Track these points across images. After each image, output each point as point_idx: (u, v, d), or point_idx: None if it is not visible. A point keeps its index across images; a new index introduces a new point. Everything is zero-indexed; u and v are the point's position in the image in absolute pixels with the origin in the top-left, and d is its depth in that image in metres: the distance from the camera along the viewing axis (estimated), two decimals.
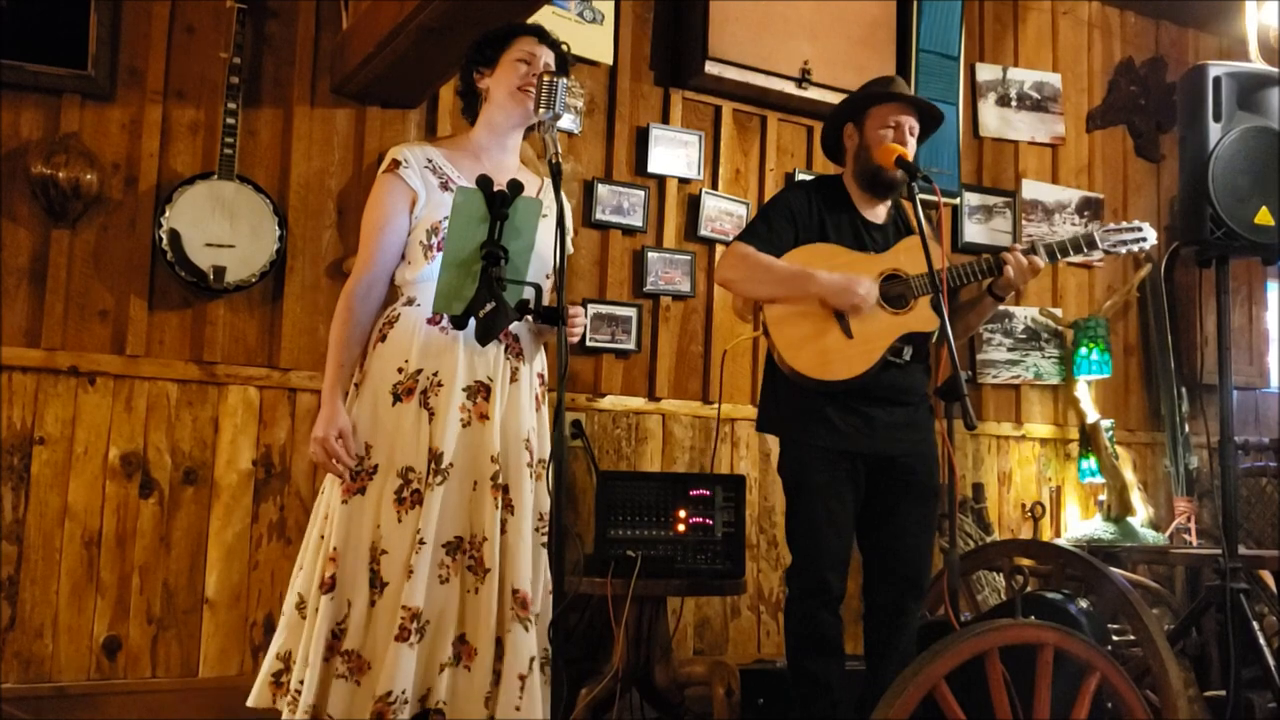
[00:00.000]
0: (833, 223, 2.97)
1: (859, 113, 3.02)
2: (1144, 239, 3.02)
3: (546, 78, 2.28)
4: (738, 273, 2.94)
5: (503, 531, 2.37)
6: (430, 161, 2.51)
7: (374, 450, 2.39)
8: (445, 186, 2.48)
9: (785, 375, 2.90)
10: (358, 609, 2.30)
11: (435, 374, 2.38)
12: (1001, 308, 4.65)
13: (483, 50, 2.58)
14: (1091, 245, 2.98)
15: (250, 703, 2.41)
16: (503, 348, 2.43)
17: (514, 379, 2.45)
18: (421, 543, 2.29)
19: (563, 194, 2.34)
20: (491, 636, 2.31)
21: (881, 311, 2.86)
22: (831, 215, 2.98)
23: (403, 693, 2.23)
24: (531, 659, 2.34)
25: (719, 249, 4.24)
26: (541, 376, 2.55)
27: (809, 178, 3.23)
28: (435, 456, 2.34)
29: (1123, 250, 3.03)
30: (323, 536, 2.42)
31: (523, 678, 2.32)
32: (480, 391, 2.40)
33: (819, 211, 2.97)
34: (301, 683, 2.30)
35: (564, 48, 2.63)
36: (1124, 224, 3.05)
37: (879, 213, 3.03)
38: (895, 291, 2.88)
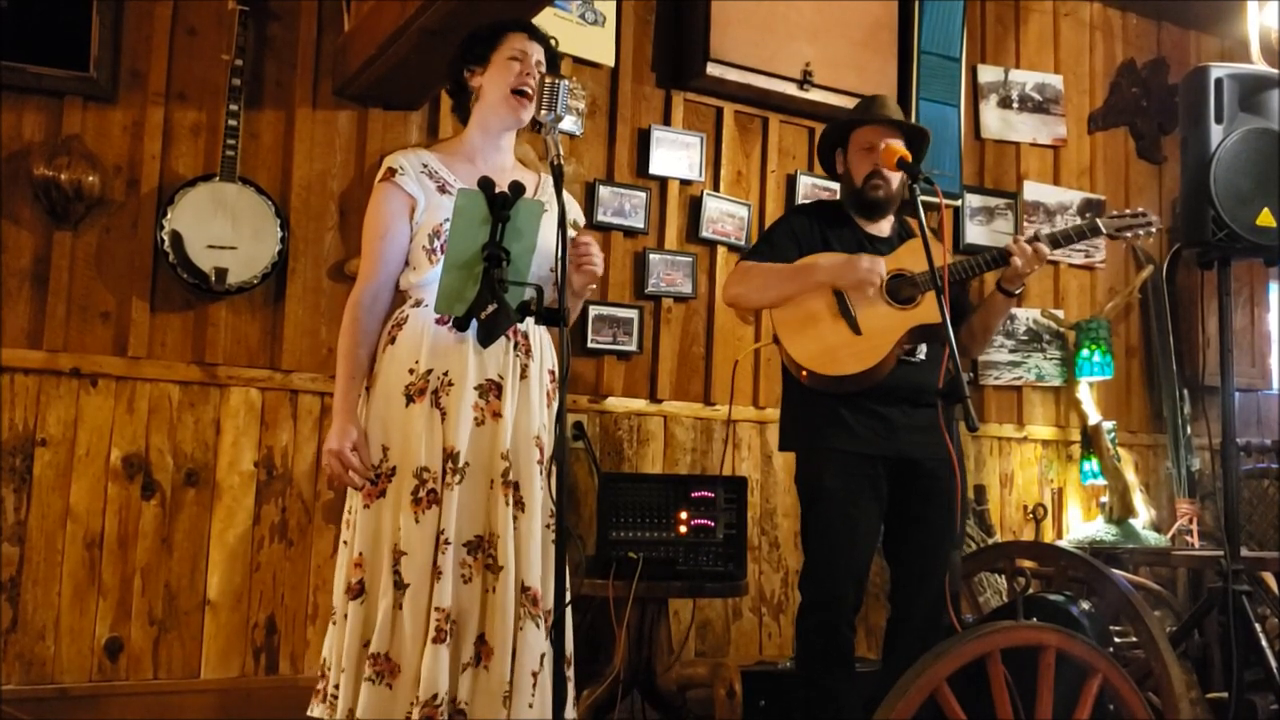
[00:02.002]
0: (836, 236, 2.98)
1: (842, 139, 3.05)
2: (1150, 224, 3.00)
3: (548, 80, 2.28)
4: (743, 286, 2.96)
5: (515, 529, 2.38)
6: (426, 166, 2.51)
7: (390, 452, 2.40)
8: (443, 190, 2.48)
9: (800, 386, 2.90)
10: (383, 612, 2.32)
11: (446, 373, 2.39)
12: None
13: (473, 47, 2.57)
14: (1096, 232, 2.97)
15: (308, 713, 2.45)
16: (512, 345, 2.44)
17: (524, 376, 2.45)
18: (446, 543, 2.30)
19: (565, 191, 2.34)
20: (509, 635, 2.32)
21: (889, 308, 2.86)
22: (834, 231, 3.00)
23: (446, 694, 2.25)
24: (543, 656, 2.34)
25: (720, 251, 4.25)
26: (552, 373, 2.54)
27: (809, 202, 3.24)
28: (451, 456, 2.35)
29: (1128, 235, 3.00)
30: (345, 543, 2.44)
31: (535, 675, 2.33)
32: (492, 390, 2.40)
33: (821, 229, 2.99)
34: (337, 687, 2.34)
35: (553, 43, 2.62)
36: (1128, 210, 3.02)
37: (882, 228, 3.04)
38: (903, 290, 2.88)
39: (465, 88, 2.59)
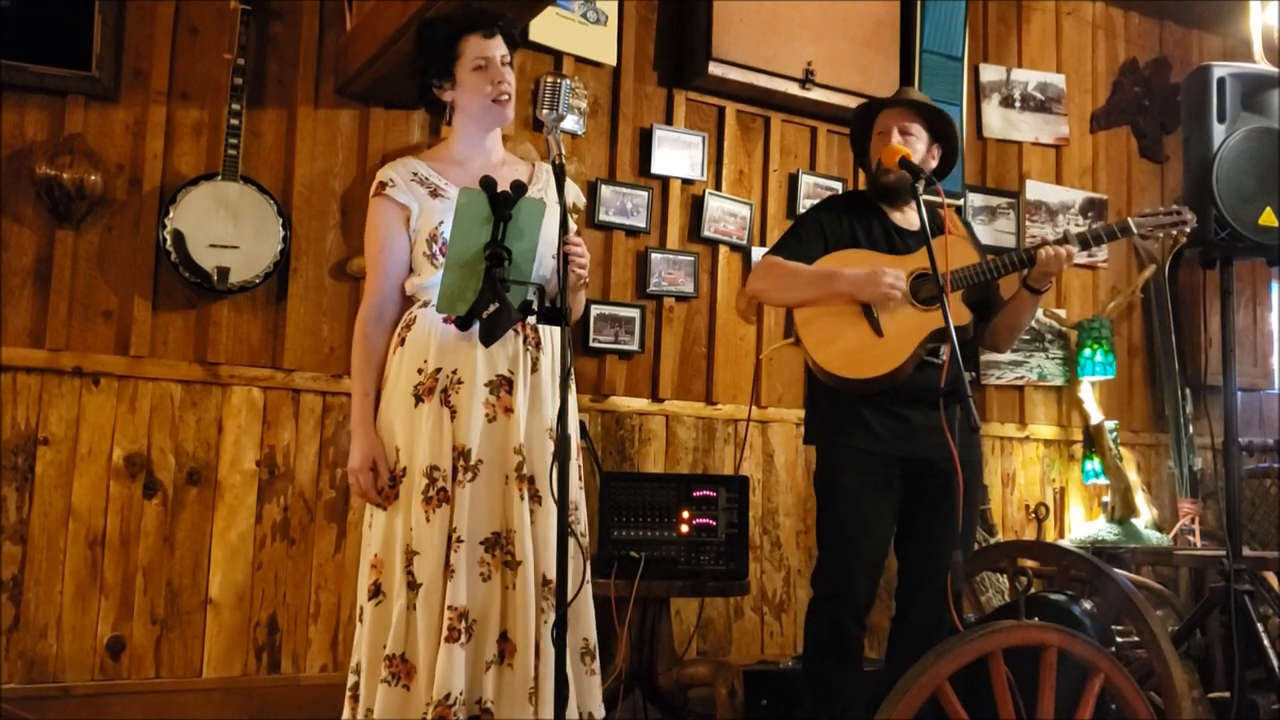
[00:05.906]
0: (864, 229, 2.98)
1: (866, 128, 3.06)
2: (1184, 222, 2.96)
3: (550, 79, 2.29)
4: (767, 282, 2.96)
5: (531, 522, 2.38)
6: (416, 174, 2.54)
7: (402, 453, 2.41)
8: (435, 194, 2.50)
9: (822, 383, 2.90)
10: (397, 613, 2.32)
11: (455, 372, 2.40)
12: None
13: (433, 63, 2.55)
14: (1126, 232, 2.92)
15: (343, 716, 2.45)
16: (521, 339, 2.44)
17: (534, 370, 2.46)
18: (459, 541, 2.31)
19: (568, 185, 2.34)
20: (530, 631, 2.32)
21: (912, 309, 2.86)
22: (862, 223, 2.99)
23: (460, 694, 2.24)
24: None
25: (722, 250, 4.25)
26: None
27: (837, 193, 3.25)
28: (462, 454, 2.35)
29: (1161, 235, 2.97)
30: (367, 544, 2.45)
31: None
32: (503, 385, 2.41)
33: (849, 222, 2.99)
34: (359, 686, 2.36)
35: (502, 24, 2.56)
36: (1160, 208, 2.98)
37: (911, 219, 3.03)
38: (926, 290, 2.88)
39: (439, 101, 2.60)
